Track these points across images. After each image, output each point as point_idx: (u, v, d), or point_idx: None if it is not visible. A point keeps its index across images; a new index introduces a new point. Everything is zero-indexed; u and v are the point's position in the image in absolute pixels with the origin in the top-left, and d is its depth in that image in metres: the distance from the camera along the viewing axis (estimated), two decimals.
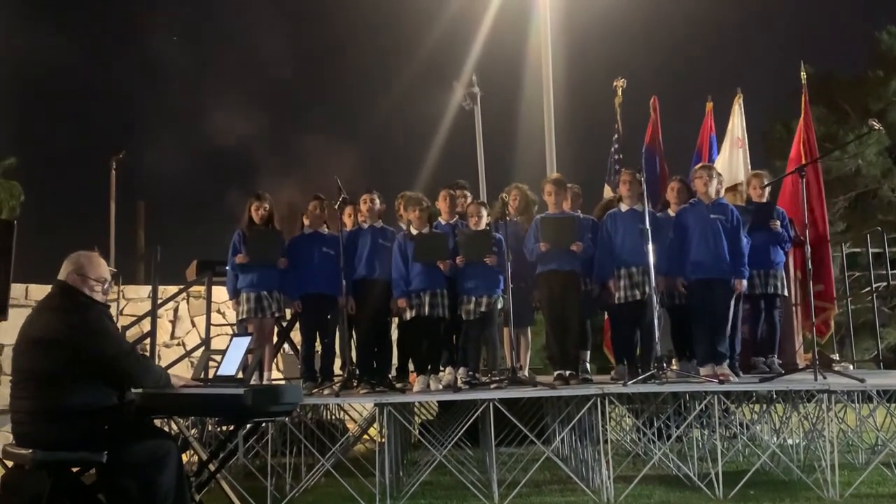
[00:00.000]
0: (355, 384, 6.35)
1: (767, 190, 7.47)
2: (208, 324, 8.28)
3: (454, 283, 6.60)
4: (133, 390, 4.25)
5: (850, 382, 6.06)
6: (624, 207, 6.82)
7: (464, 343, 6.65)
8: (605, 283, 6.82)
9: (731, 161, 9.02)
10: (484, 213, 6.68)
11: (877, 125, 7.79)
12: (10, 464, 4.15)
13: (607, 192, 8.89)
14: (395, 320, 7.11)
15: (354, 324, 6.80)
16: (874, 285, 9.85)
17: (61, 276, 4.23)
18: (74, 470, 4.14)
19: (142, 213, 24.64)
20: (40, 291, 4.76)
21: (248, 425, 5.56)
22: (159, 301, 8.17)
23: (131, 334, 8.57)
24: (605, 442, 5.81)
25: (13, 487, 4.01)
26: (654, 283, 6.17)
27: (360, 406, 9.54)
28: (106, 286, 4.31)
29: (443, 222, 7.02)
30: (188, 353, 9.41)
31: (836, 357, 8.65)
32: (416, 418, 9.16)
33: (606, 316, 7.58)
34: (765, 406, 7.85)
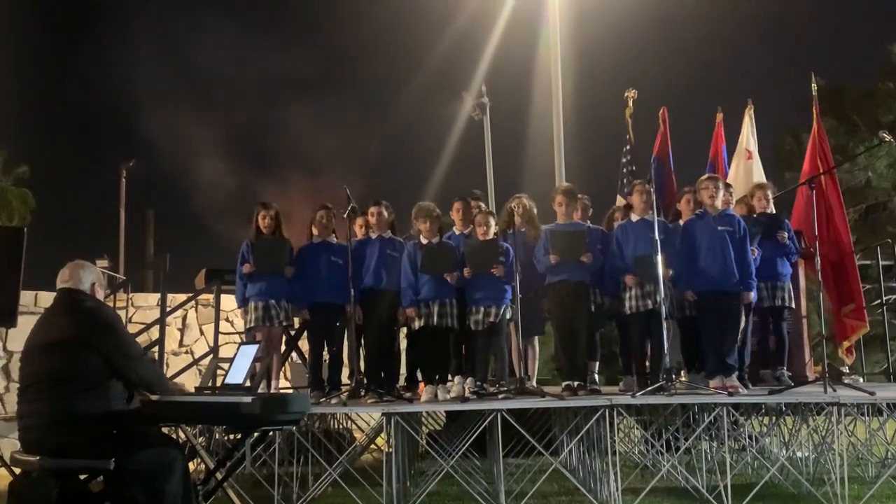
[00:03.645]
0: (363, 393, 6.35)
1: (772, 201, 7.45)
2: (216, 332, 8.29)
3: (463, 292, 6.59)
4: (138, 395, 4.27)
5: (860, 395, 6.02)
6: (635, 218, 6.81)
7: (472, 353, 6.64)
8: (616, 294, 6.80)
9: (739, 173, 9.03)
10: (492, 222, 6.67)
11: (888, 137, 7.76)
12: (17, 471, 4.17)
13: (620, 203, 8.89)
14: (404, 330, 7.10)
15: (362, 333, 6.81)
16: (884, 298, 9.79)
17: (73, 284, 4.27)
18: (82, 477, 4.16)
19: (151, 222, 24.80)
20: (49, 299, 4.81)
21: (256, 434, 5.55)
22: (168, 309, 8.19)
23: (140, 342, 8.57)
24: (614, 453, 5.79)
25: (21, 495, 4.02)
26: (663, 294, 6.16)
27: (367, 415, 9.53)
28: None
29: (457, 232, 7.03)
30: (196, 361, 9.42)
31: (846, 370, 8.61)
32: (424, 428, 9.14)
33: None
34: (774, 418, 7.81)
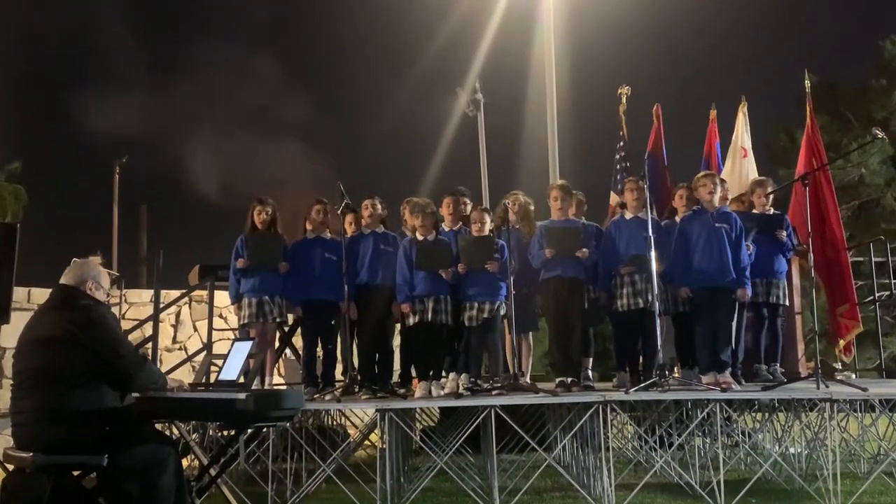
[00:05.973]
0: (357, 390, 6.35)
1: (771, 197, 7.46)
2: (210, 328, 8.28)
3: (457, 289, 6.59)
4: (132, 393, 4.26)
5: (853, 391, 6.04)
6: (628, 215, 6.82)
7: (466, 349, 6.64)
8: (609, 291, 6.81)
9: (735, 170, 9.02)
10: (487, 219, 6.66)
11: (880, 134, 7.80)
12: (10, 467, 4.16)
13: (613, 200, 8.89)
14: (398, 326, 7.10)
15: (356, 329, 6.80)
16: (877, 294, 9.82)
17: (70, 280, 4.27)
18: (75, 473, 4.15)
19: (144, 218, 24.73)
20: (43, 295, 4.82)
21: (250, 430, 5.55)
22: (161, 305, 8.16)
23: (133, 338, 8.56)
24: (607, 449, 5.79)
25: (14, 491, 4.01)
26: (656, 291, 6.16)
27: (361, 412, 9.54)
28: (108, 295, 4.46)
29: (446, 229, 7.02)
30: (190, 358, 9.41)
31: (838, 366, 8.62)
32: (418, 424, 9.14)
33: None
34: (767, 414, 7.83)
